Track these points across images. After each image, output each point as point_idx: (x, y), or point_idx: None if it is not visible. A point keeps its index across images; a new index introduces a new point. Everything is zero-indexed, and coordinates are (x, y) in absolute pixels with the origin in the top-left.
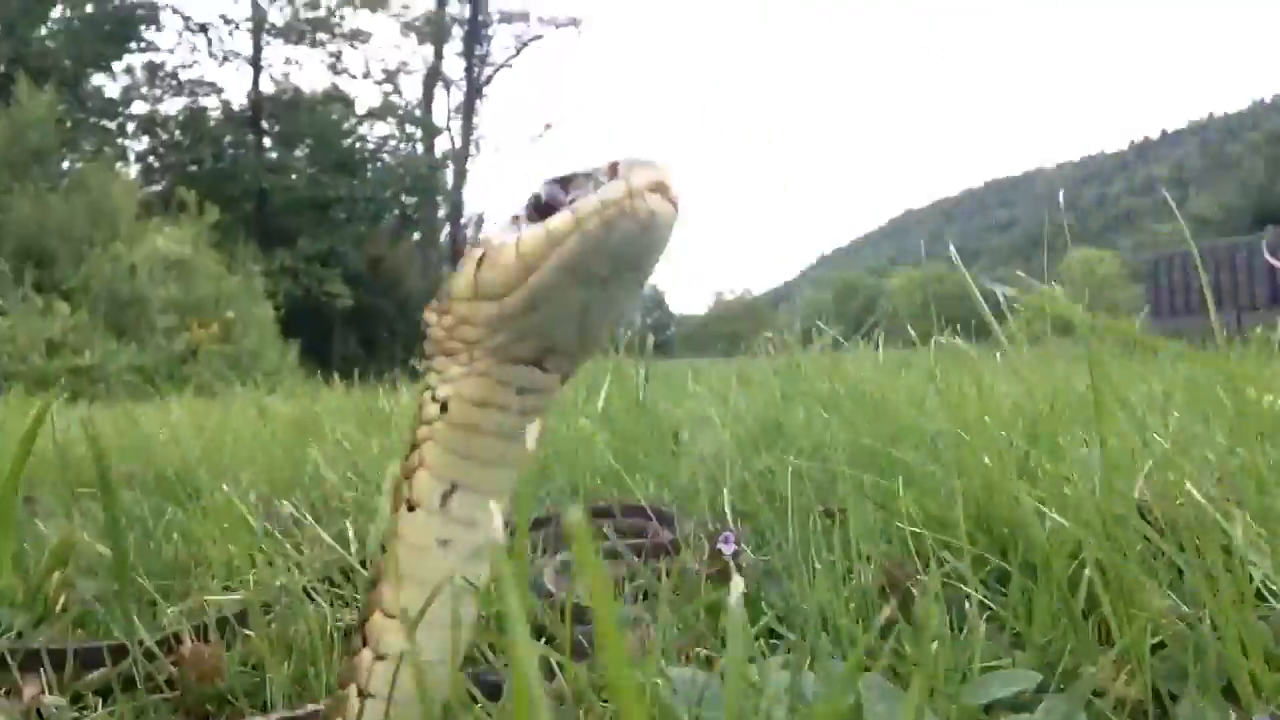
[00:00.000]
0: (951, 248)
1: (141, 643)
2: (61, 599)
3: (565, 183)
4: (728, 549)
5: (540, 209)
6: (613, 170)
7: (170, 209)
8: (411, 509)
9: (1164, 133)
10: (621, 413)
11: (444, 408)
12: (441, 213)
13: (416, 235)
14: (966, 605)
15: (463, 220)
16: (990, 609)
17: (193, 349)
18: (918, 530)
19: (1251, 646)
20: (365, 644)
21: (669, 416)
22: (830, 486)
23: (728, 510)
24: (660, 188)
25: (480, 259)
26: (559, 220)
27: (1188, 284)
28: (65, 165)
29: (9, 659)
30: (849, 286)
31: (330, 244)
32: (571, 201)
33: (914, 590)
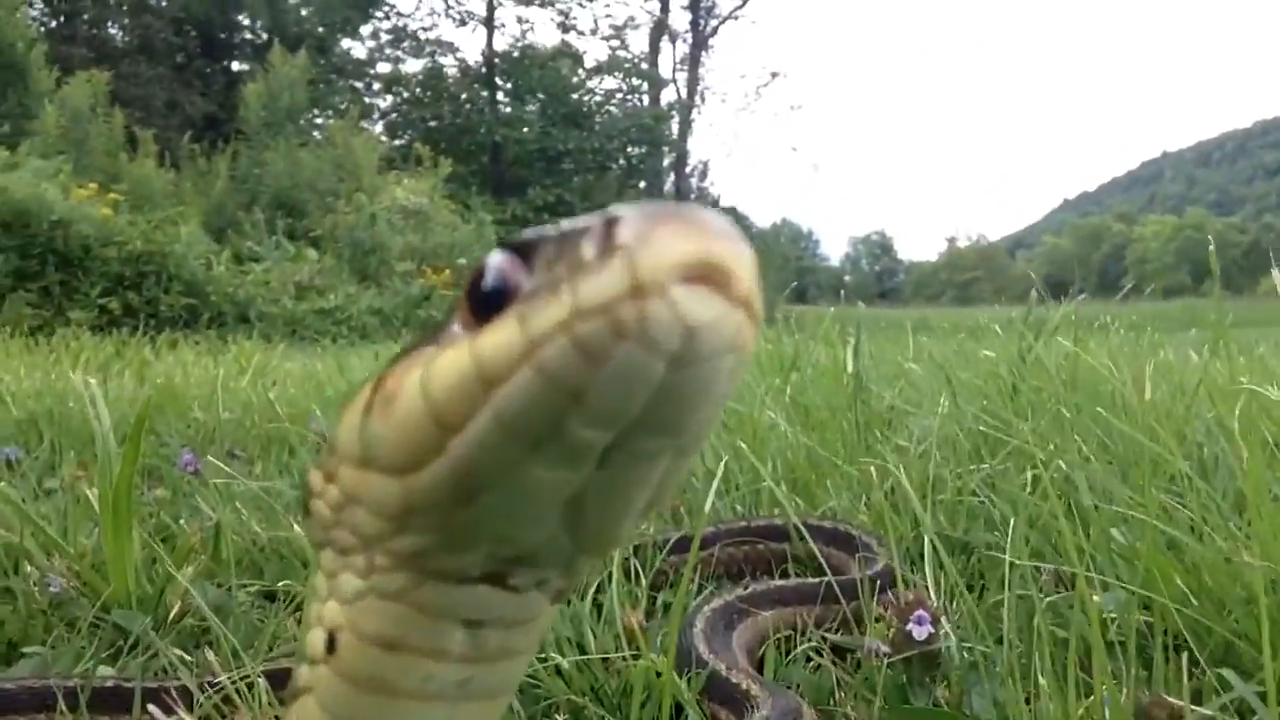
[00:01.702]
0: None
1: (209, 686)
2: (177, 605)
3: (527, 252)
4: (920, 631)
5: (483, 302)
6: (608, 233)
7: (410, 162)
8: None
9: None
10: (824, 391)
11: (332, 643)
12: (666, 162)
13: (642, 184)
14: None
15: (687, 169)
16: None
17: (426, 294)
18: (1190, 623)
19: None
20: None
21: (877, 400)
22: (1069, 519)
23: (928, 557)
24: (710, 273)
25: (369, 398)
26: (495, 341)
27: None
28: (319, 122)
29: (79, 695)
30: (1094, 233)
31: (559, 194)
32: (529, 295)
33: None
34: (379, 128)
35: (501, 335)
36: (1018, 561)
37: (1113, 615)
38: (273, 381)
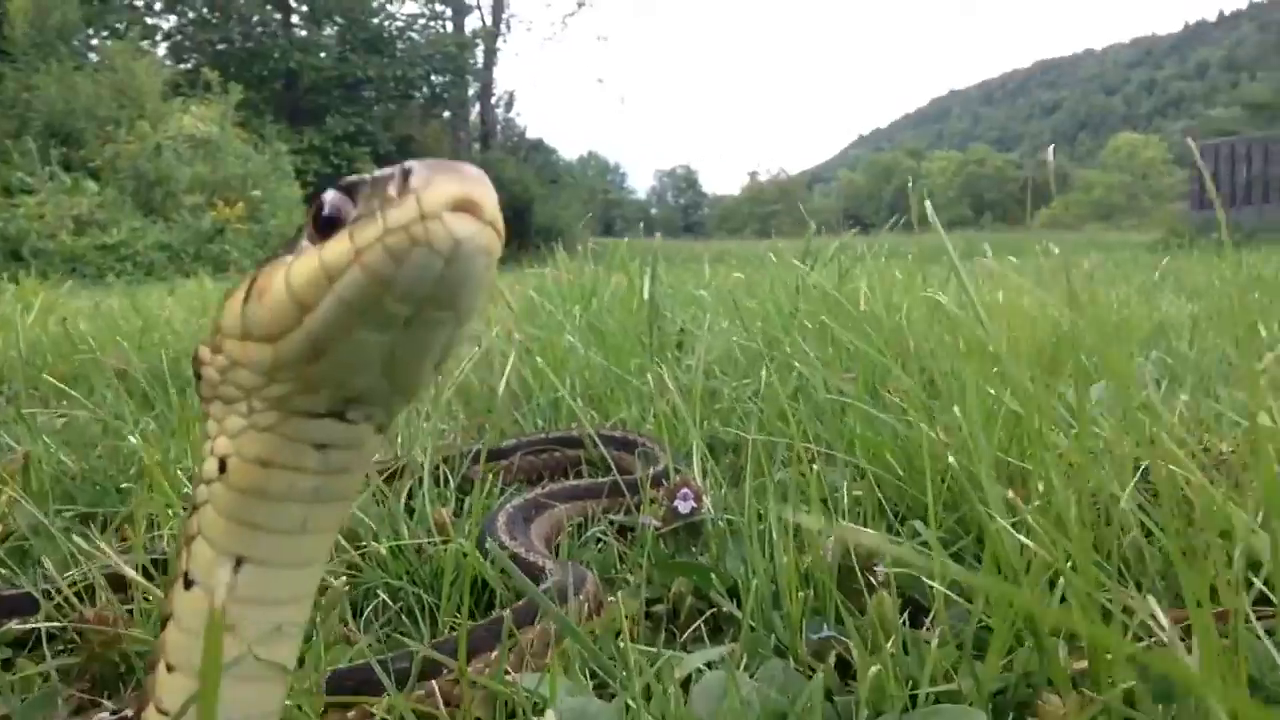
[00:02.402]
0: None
1: (54, 592)
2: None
3: (351, 190)
4: (685, 506)
5: (323, 224)
6: (404, 179)
7: (197, 88)
8: (188, 586)
9: (1221, 14)
10: (619, 318)
11: (223, 466)
12: (471, 91)
13: (446, 114)
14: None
15: (493, 99)
16: (957, 597)
17: (219, 228)
18: (896, 489)
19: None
20: None
21: (670, 324)
22: (827, 418)
23: (695, 452)
24: (468, 205)
25: (247, 291)
26: (334, 250)
27: (1234, 175)
28: (95, 43)
29: None
30: (886, 169)
31: (359, 123)
32: (355, 219)
33: (874, 575)
34: (162, 50)
35: (339, 246)
36: (752, 436)
37: (835, 488)
38: (63, 318)
